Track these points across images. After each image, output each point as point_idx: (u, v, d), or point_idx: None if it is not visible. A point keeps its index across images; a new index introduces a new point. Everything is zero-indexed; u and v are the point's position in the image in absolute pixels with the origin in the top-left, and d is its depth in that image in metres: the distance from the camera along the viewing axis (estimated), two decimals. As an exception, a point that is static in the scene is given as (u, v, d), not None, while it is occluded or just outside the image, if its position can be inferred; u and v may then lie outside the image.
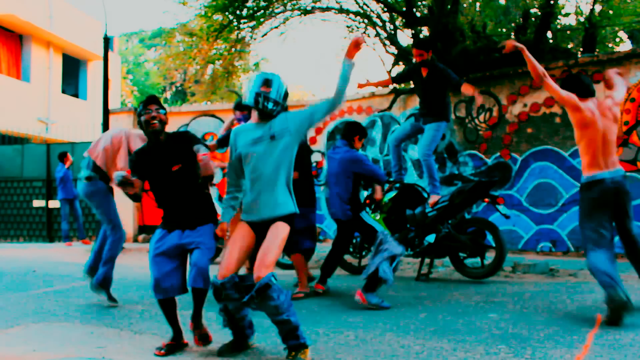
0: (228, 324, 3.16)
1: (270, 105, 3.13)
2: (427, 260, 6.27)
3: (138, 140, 4.53)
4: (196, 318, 3.29)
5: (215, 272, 3.09)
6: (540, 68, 4.04)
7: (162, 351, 3.19)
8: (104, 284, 4.53)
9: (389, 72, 11.75)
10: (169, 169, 3.36)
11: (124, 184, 3.20)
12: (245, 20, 9.85)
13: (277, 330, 2.98)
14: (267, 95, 3.12)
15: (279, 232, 3.07)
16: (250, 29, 10.27)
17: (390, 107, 9.51)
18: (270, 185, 3.10)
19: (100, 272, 4.52)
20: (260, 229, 3.15)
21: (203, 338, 3.31)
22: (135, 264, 7.16)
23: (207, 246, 3.23)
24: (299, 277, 5.07)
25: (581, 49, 10.43)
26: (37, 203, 12.30)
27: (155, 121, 3.38)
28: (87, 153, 4.65)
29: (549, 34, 10.61)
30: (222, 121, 4.94)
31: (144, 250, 8.79)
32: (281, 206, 3.12)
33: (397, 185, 6.17)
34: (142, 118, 3.39)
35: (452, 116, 9.04)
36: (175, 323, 3.31)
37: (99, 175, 4.57)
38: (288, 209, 3.14)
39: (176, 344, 3.28)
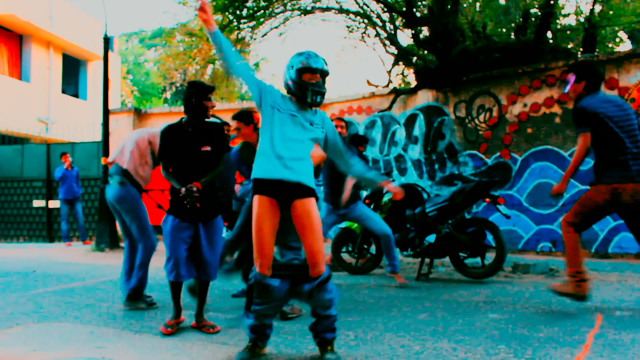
0: (256, 325, 2.94)
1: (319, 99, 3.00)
2: (427, 260, 6.27)
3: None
4: (202, 309, 3.70)
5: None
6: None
7: (170, 329, 3.55)
8: (138, 293, 4.40)
9: (389, 72, 11.77)
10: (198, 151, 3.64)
11: (190, 195, 3.49)
12: (245, 20, 9.85)
13: (316, 323, 2.96)
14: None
15: (315, 216, 2.89)
16: (250, 29, 10.27)
17: (390, 107, 9.51)
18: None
19: (134, 281, 4.36)
20: (283, 194, 2.88)
21: (212, 326, 3.64)
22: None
23: (219, 243, 3.70)
24: None
25: (581, 49, 10.43)
26: (37, 203, 12.31)
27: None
28: (115, 161, 4.57)
29: (549, 34, 10.62)
30: (222, 121, 4.90)
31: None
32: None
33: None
34: (201, 104, 3.63)
35: (452, 116, 9.05)
36: (179, 302, 3.70)
37: (130, 181, 4.45)
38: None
39: (178, 322, 3.66)
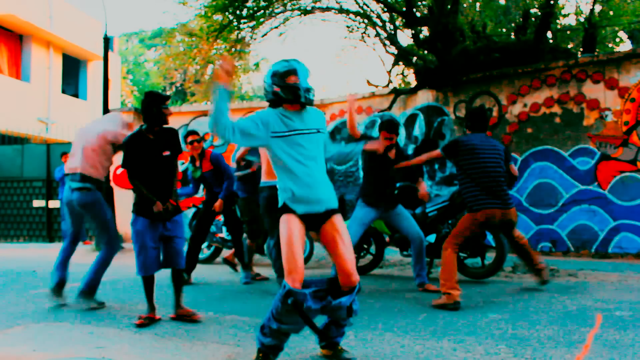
0: (275, 344, 2.82)
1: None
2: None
3: (115, 134, 4.55)
4: (179, 298, 4.00)
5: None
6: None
7: (144, 321, 3.81)
8: (93, 289, 4.42)
9: (389, 72, 11.77)
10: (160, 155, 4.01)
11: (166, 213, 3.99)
12: (245, 20, 9.84)
13: (327, 328, 2.95)
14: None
15: (343, 231, 2.93)
16: (250, 29, 10.27)
17: (390, 107, 9.51)
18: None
19: (91, 277, 4.39)
20: (312, 220, 2.92)
21: (192, 314, 3.95)
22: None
23: (183, 236, 4.11)
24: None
25: (581, 49, 10.44)
26: (37, 203, 12.30)
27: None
28: (71, 169, 4.53)
29: (549, 34, 10.62)
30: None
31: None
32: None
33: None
34: (161, 112, 4.03)
35: (452, 116, 9.05)
36: (152, 298, 3.97)
37: (93, 184, 4.47)
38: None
39: (152, 318, 3.89)
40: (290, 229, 2.84)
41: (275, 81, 2.90)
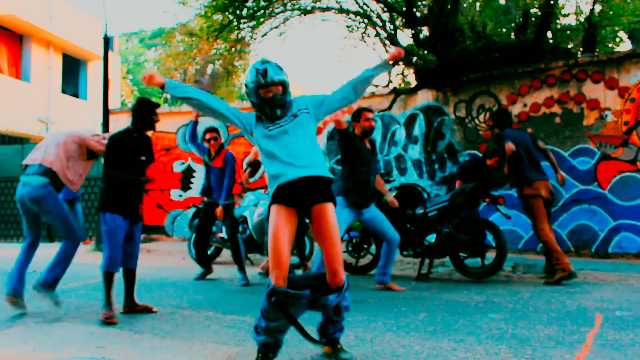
0: (269, 341, 2.78)
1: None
2: (427, 260, 6.27)
3: (83, 138, 4.49)
4: (133, 294, 4.25)
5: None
6: None
7: (114, 319, 3.88)
8: (56, 282, 4.26)
9: (389, 72, 11.76)
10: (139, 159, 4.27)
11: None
12: (245, 20, 9.83)
13: (324, 325, 2.96)
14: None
15: (333, 223, 2.83)
16: (250, 29, 10.26)
17: (390, 107, 9.51)
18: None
19: (57, 270, 4.24)
20: (303, 196, 2.84)
21: (150, 308, 4.25)
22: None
23: (140, 241, 4.40)
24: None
25: (581, 49, 10.43)
26: (37, 203, 12.30)
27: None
28: (39, 161, 4.33)
29: (549, 34, 10.61)
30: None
31: (143, 251, 8.79)
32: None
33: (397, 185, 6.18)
34: (152, 118, 4.35)
35: (452, 116, 9.05)
36: (111, 295, 4.04)
37: (53, 181, 4.29)
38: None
39: (113, 315, 3.94)
40: (277, 222, 2.79)
41: (251, 96, 2.94)
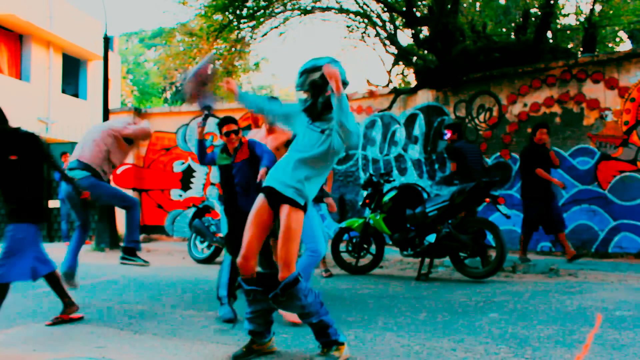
0: (254, 329, 3.03)
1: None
2: (427, 260, 6.27)
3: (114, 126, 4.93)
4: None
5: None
6: None
7: (53, 320, 3.91)
8: (134, 250, 4.84)
9: (389, 72, 11.77)
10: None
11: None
12: (245, 20, 9.83)
13: (315, 334, 2.96)
14: None
15: (290, 223, 2.90)
16: (250, 29, 10.26)
17: (390, 107, 9.51)
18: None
19: (134, 236, 4.83)
20: (274, 196, 2.99)
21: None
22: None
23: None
24: None
25: (581, 49, 10.43)
26: (37, 203, 12.30)
27: None
28: (77, 157, 4.82)
29: (549, 34, 10.61)
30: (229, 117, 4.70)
31: (143, 250, 8.78)
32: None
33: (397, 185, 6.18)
34: None
35: (452, 116, 9.05)
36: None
37: (94, 174, 4.77)
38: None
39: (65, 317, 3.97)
40: (253, 209, 3.01)
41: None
